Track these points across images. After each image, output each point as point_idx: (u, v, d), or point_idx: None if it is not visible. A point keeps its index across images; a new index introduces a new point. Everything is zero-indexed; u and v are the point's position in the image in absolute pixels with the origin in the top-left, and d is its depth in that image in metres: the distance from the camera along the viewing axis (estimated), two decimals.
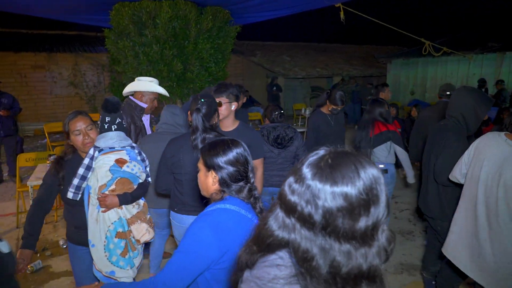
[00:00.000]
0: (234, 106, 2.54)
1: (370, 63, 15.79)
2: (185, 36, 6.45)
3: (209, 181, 1.45)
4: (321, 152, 0.83)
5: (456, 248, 2.16)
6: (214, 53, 6.75)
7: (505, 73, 10.13)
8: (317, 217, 0.76)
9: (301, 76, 13.42)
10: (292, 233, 0.81)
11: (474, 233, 2.03)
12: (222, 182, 1.41)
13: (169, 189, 2.41)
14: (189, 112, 2.30)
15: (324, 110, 3.96)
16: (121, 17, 6.16)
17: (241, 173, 1.42)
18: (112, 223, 2.06)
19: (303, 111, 9.26)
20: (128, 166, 2.15)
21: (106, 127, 2.12)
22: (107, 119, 2.11)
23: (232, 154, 1.42)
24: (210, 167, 1.43)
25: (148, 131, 3.34)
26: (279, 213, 0.84)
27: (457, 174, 2.26)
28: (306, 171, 0.79)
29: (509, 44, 10.83)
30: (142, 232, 2.14)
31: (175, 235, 2.47)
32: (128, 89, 3.29)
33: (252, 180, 1.46)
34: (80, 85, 11.00)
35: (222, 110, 2.48)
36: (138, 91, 3.27)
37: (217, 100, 2.45)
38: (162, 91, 3.34)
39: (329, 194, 0.75)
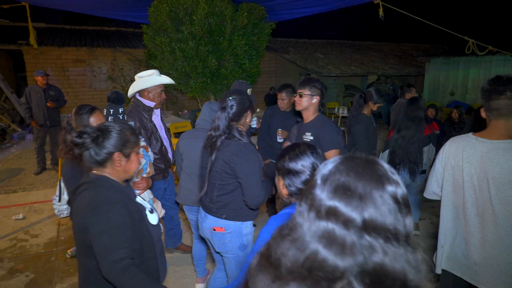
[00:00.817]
0: (315, 100, 2.62)
1: (407, 61, 15.25)
2: (220, 32, 6.50)
3: (280, 185, 1.47)
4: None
5: (453, 258, 2.05)
6: (248, 50, 6.76)
7: None
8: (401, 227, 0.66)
9: (334, 74, 13.18)
10: (371, 254, 0.63)
11: (466, 238, 1.95)
12: (289, 189, 1.43)
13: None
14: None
15: (366, 112, 3.69)
16: (159, 13, 6.29)
17: (306, 179, 1.40)
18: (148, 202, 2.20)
19: (336, 109, 9.10)
20: (149, 151, 2.44)
21: (120, 118, 2.48)
22: (120, 109, 2.50)
23: (299, 162, 1.40)
24: (279, 172, 1.46)
25: (161, 131, 3.15)
26: (335, 230, 0.64)
27: (435, 188, 2.14)
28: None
29: None
30: (160, 208, 2.38)
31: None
32: (133, 89, 3.05)
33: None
34: (118, 80, 11.38)
35: (303, 101, 2.60)
36: (142, 89, 3.02)
37: (299, 91, 2.60)
38: (167, 80, 3.09)
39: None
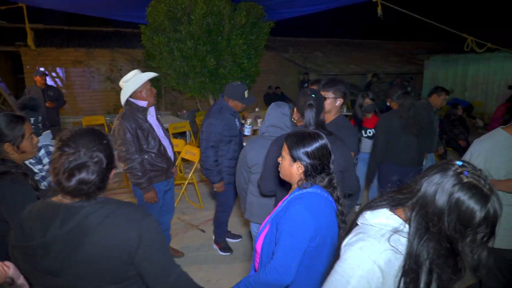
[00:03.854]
0: (339, 102, 2.60)
1: (407, 59, 15.22)
2: (218, 32, 6.48)
3: (293, 170, 1.58)
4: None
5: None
6: (247, 49, 6.74)
7: None
8: None
9: (334, 73, 13.15)
10: None
11: None
12: (307, 173, 1.55)
13: (274, 190, 2.32)
14: (295, 109, 2.26)
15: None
16: (157, 13, 6.27)
17: (324, 165, 1.56)
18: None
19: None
20: None
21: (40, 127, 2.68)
22: (40, 118, 2.65)
23: (318, 147, 1.54)
24: (296, 158, 1.55)
25: (158, 130, 3.07)
26: None
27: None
28: None
29: None
30: None
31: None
32: (125, 94, 2.93)
33: (332, 171, 1.60)
34: (117, 80, 11.33)
35: (326, 104, 2.53)
36: (134, 92, 2.91)
37: (323, 94, 2.51)
38: (152, 74, 3.01)
39: None
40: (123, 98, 2.93)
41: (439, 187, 0.99)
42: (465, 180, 0.97)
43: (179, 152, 5.01)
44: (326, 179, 1.58)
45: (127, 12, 7.32)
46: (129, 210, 1.26)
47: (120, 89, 2.96)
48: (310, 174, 1.55)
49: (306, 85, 11.85)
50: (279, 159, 1.67)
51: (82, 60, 10.97)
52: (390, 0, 6.43)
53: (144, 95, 2.93)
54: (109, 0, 6.39)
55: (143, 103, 2.94)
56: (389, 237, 1.06)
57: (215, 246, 3.71)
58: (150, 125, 2.98)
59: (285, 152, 1.61)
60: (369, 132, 3.87)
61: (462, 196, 0.95)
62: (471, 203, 0.94)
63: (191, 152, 4.66)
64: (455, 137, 6.05)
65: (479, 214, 0.94)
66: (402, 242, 1.06)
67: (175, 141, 5.23)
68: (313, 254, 1.52)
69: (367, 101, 3.82)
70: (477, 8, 18.91)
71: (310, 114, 2.14)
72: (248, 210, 2.72)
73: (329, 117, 2.62)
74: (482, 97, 11.42)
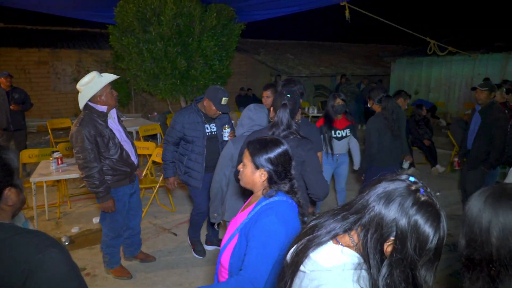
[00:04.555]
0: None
1: (375, 62, 15.70)
2: (189, 33, 6.44)
3: (256, 178, 1.56)
4: None
5: None
6: (218, 51, 6.74)
7: (510, 73, 10.04)
8: None
9: (304, 75, 13.36)
10: None
11: None
12: (271, 180, 1.54)
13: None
14: (271, 109, 2.27)
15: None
16: (125, 13, 6.15)
17: (287, 171, 1.56)
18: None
19: (306, 109, 9.23)
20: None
21: None
22: None
23: (280, 153, 1.54)
24: (259, 165, 1.54)
25: (120, 134, 2.96)
26: None
27: None
28: None
29: None
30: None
31: None
32: (83, 99, 2.79)
33: (293, 176, 1.60)
34: None
35: None
36: (93, 96, 2.78)
37: None
38: (112, 76, 2.87)
39: None
40: (82, 102, 2.80)
41: (399, 208, 0.90)
42: (422, 199, 0.90)
43: (150, 155, 4.94)
44: (288, 185, 1.57)
45: (94, 11, 7.13)
46: (23, 241, 1.05)
47: None
48: (274, 181, 1.54)
49: None
50: (239, 167, 1.64)
51: (46, 61, 10.56)
52: (358, 4, 6.62)
53: (104, 99, 2.80)
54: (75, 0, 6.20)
55: (103, 108, 2.81)
56: (358, 279, 0.93)
57: (189, 242, 3.70)
58: (111, 130, 2.86)
59: (247, 159, 1.58)
60: (339, 133, 3.93)
61: (420, 218, 0.88)
62: (427, 226, 0.88)
63: None
64: (420, 136, 6.31)
65: (432, 236, 0.88)
66: (364, 276, 0.94)
67: (146, 144, 5.15)
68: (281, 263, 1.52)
69: (338, 101, 3.87)
70: (440, 14, 19.81)
71: (282, 114, 2.15)
72: (230, 211, 2.67)
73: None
74: (445, 98, 11.96)
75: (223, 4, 6.65)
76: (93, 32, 12.77)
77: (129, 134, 3.15)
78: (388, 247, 0.91)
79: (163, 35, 6.22)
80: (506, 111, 4.49)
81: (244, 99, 11.18)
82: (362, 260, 0.96)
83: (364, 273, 0.94)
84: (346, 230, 0.99)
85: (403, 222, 0.88)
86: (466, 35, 13.37)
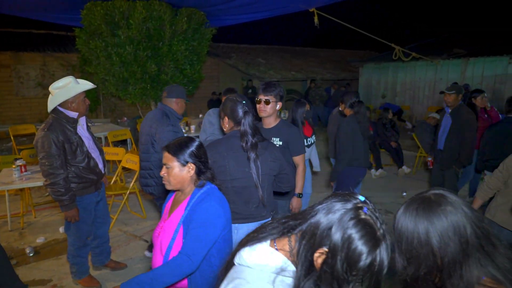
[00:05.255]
0: (278, 106, 2.66)
1: (343, 67, 16.11)
2: (159, 37, 6.37)
3: (185, 174, 1.68)
4: None
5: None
6: (189, 55, 6.70)
7: (469, 78, 10.61)
8: None
9: (276, 79, 13.51)
10: None
11: None
12: (199, 171, 1.70)
13: None
14: (226, 118, 2.18)
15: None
16: (93, 16, 6.00)
17: (207, 161, 1.74)
18: None
19: (278, 113, 9.32)
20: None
21: None
22: None
23: (198, 146, 1.69)
24: (185, 161, 1.66)
25: (88, 141, 2.88)
26: None
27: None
28: None
29: (473, 51, 11.36)
30: None
31: None
32: (53, 103, 2.71)
33: (210, 166, 1.77)
34: (49, 86, 10.62)
35: (268, 108, 2.60)
36: (65, 101, 2.71)
37: (265, 98, 2.58)
38: (89, 86, 2.82)
39: None
40: (51, 105, 2.72)
41: (336, 219, 0.88)
42: (362, 216, 0.87)
43: (119, 161, 4.83)
44: (209, 172, 1.74)
45: (59, 14, 6.90)
46: None
47: None
48: (201, 171, 1.70)
49: (250, 91, 12.05)
50: (162, 172, 1.70)
51: (8, 64, 10.10)
52: (327, 11, 6.80)
53: (75, 106, 2.74)
54: (40, 1, 5.97)
55: (73, 114, 2.75)
56: (273, 281, 0.93)
57: (148, 254, 3.59)
58: (80, 137, 2.79)
59: (169, 161, 1.66)
60: (309, 141, 3.92)
61: (354, 233, 0.85)
62: (360, 244, 0.84)
63: (132, 161, 4.51)
64: (387, 139, 6.54)
65: (364, 258, 0.84)
66: (287, 284, 0.93)
67: (115, 150, 5.04)
68: (220, 246, 1.67)
69: (308, 107, 3.87)
70: (404, 21, 20.64)
71: (248, 121, 2.09)
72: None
73: (271, 121, 2.69)
74: (410, 102, 12.45)
75: (194, 8, 6.63)
76: (58, 34, 12.34)
77: (97, 141, 3.07)
78: (319, 258, 0.88)
79: (132, 39, 6.12)
80: (486, 115, 4.73)
81: (216, 103, 11.17)
82: (288, 267, 0.95)
83: (285, 279, 0.93)
84: (285, 234, 0.99)
85: (337, 234, 0.86)
86: (428, 42, 14.02)
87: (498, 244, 0.98)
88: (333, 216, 0.88)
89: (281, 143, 2.65)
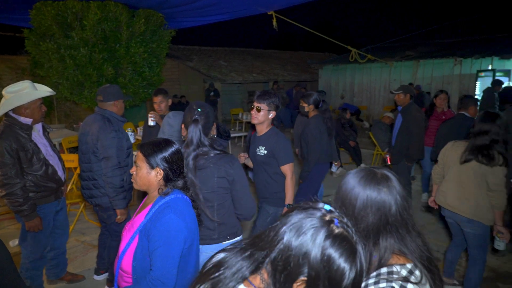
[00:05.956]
0: (272, 115, 2.62)
1: (304, 68, 16.47)
2: (116, 39, 6.19)
3: (152, 178, 1.61)
4: None
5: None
6: (147, 57, 6.57)
7: (420, 79, 11.28)
8: None
9: (238, 81, 13.55)
10: None
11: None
12: (167, 178, 1.62)
13: None
14: (183, 126, 2.04)
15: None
16: (43, 17, 5.73)
17: (181, 168, 1.65)
18: None
19: (240, 115, 9.36)
20: None
21: None
22: None
23: (174, 152, 1.62)
24: (154, 164, 1.59)
25: (45, 148, 2.74)
26: None
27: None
28: None
29: (423, 53, 12.07)
30: None
31: None
32: (6, 107, 2.55)
33: (186, 174, 1.70)
34: None
35: (259, 115, 2.58)
36: (19, 106, 2.56)
37: (257, 105, 2.56)
38: (47, 92, 2.69)
39: None
40: (3, 109, 2.56)
41: (309, 241, 0.80)
42: (336, 231, 0.81)
43: (75, 168, 4.63)
44: (182, 181, 1.67)
45: (5, 14, 6.51)
46: None
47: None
48: (170, 178, 1.62)
49: (212, 93, 11.99)
50: (132, 170, 1.66)
51: None
52: (286, 14, 6.93)
53: (29, 112, 2.60)
54: None
55: (26, 120, 2.60)
56: None
57: (96, 277, 3.29)
58: (35, 144, 2.65)
59: (140, 161, 1.61)
60: None
61: (333, 252, 0.78)
62: (342, 262, 0.78)
63: None
64: (346, 138, 6.76)
65: (348, 271, 0.79)
66: None
67: (71, 156, 4.82)
68: (186, 255, 1.61)
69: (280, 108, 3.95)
70: (361, 24, 21.43)
71: (193, 131, 1.93)
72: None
73: (263, 129, 2.68)
74: (367, 102, 12.96)
75: (152, 10, 6.51)
76: (5, 36, 11.60)
77: (55, 148, 2.93)
78: (299, 287, 0.80)
79: (87, 41, 5.90)
80: (443, 116, 4.94)
81: (178, 106, 11.01)
82: None
83: None
84: (255, 270, 0.88)
85: (315, 258, 0.78)
86: (383, 45, 14.68)
87: (411, 230, 1.13)
88: (305, 238, 0.80)
89: (266, 152, 2.63)
